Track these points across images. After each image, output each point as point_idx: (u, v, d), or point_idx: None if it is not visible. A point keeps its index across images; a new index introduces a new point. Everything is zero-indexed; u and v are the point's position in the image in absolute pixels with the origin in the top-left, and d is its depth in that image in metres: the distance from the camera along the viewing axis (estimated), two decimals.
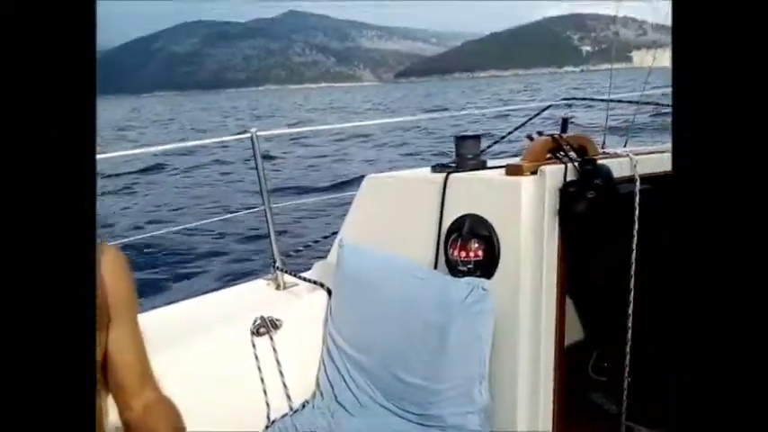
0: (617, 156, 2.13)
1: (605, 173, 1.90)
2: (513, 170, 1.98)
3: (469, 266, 2.02)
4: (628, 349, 2.09)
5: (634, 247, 2.06)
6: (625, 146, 2.68)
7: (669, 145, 2.48)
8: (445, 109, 38.69)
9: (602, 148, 2.74)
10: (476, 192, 2.09)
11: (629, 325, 2.08)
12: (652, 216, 2.07)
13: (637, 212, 2.03)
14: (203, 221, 3.25)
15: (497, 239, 1.97)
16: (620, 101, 3.03)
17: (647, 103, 2.97)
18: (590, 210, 1.85)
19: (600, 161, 1.97)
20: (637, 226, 2.05)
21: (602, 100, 2.89)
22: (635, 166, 2.05)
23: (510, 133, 2.75)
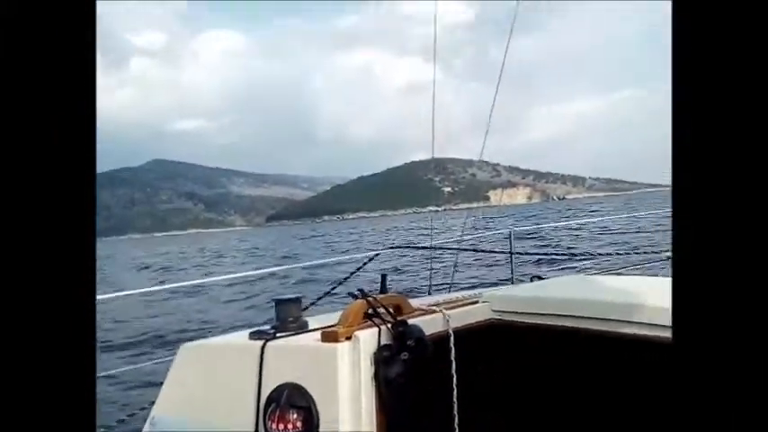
0: (431, 312, 2.20)
1: (417, 333, 1.97)
2: (328, 336, 1.96)
3: None
4: None
5: (455, 400, 2.11)
6: (449, 291, 2.80)
7: (483, 291, 2.63)
8: (283, 258, 38.71)
9: (429, 292, 2.83)
10: (293, 359, 2.03)
11: None
12: (468, 366, 2.13)
13: (454, 365, 2.09)
14: None
15: (316, 409, 1.90)
16: (441, 247, 3.19)
17: (467, 249, 3.14)
18: (404, 372, 1.89)
19: (413, 320, 2.05)
20: (455, 379, 2.10)
21: (424, 247, 3.03)
22: (448, 321, 2.15)
23: (336, 287, 2.77)
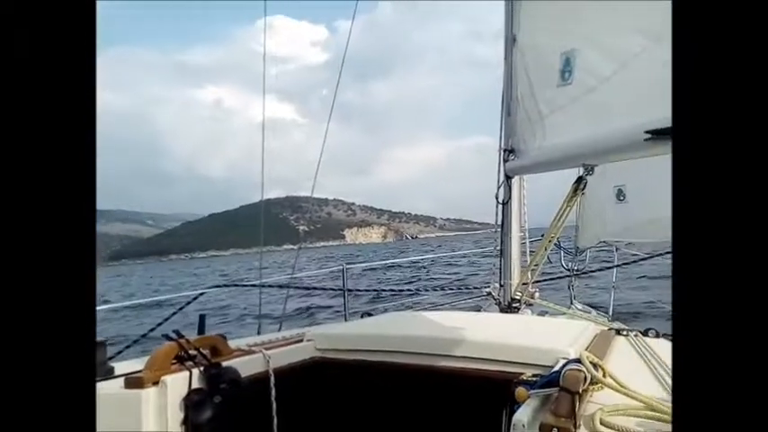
0: (250, 352, 2.15)
1: (232, 375, 1.92)
2: (132, 382, 1.84)
3: None
4: None
5: None
6: (280, 329, 2.76)
7: (307, 330, 2.61)
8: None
9: (259, 332, 2.76)
10: None
11: None
12: (291, 406, 2.09)
13: (275, 407, 2.05)
14: None
15: None
16: (270, 285, 3.15)
17: (297, 287, 3.13)
18: (216, 416, 1.82)
19: (231, 362, 1.99)
20: (276, 420, 2.05)
21: (253, 285, 2.98)
22: (268, 362, 2.12)
23: (155, 329, 2.61)
